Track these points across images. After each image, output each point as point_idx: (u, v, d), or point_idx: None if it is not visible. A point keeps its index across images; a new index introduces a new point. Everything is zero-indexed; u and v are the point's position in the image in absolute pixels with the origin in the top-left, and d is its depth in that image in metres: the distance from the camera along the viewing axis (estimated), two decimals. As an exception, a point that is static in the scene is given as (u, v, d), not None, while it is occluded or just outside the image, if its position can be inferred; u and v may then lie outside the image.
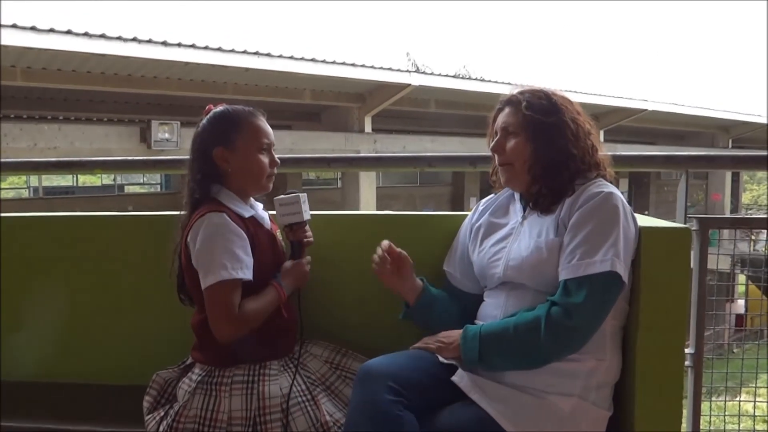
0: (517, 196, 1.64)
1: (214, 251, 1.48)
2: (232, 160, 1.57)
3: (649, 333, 1.50)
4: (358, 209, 10.48)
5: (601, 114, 15.21)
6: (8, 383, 1.91)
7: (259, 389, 1.52)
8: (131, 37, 7.97)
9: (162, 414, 1.57)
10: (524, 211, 1.59)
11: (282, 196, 1.60)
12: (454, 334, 1.51)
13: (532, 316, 1.41)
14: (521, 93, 1.56)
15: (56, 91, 9.63)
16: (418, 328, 1.66)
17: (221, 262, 1.46)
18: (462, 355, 1.47)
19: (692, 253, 2.00)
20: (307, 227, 1.66)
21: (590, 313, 1.38)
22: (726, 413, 2.47)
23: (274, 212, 1.66)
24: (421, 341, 1.57)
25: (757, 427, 2.58)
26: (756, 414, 2.57)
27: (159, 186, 16.75)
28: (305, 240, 1.66)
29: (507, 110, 1.57)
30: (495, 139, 1.58)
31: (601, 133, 15.46)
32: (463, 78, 13.53)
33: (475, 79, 13.09)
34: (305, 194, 1.63)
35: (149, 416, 1.60)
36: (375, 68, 10.77)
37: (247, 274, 1.49)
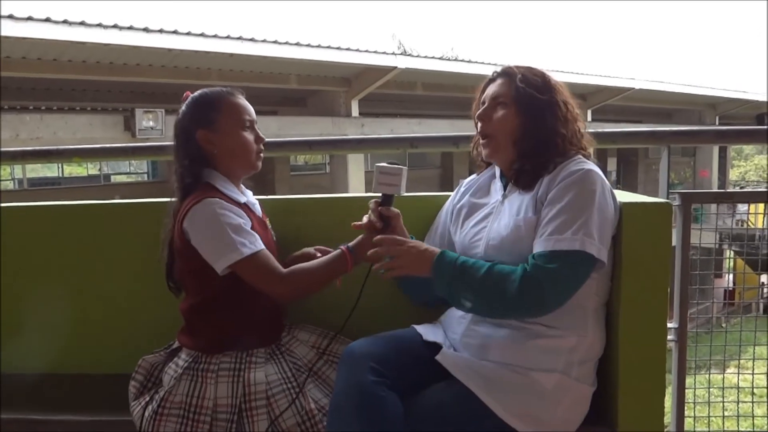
0: (498, 173, 1.63)
1: (225, 232, 1.46)
2: (217, 141, 1.56)
3: (631, 308, 1.51)
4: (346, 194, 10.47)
5: (588, 94, 15.23)
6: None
7: (245, 377, 1.52)
8: (111, 24, 7.86)
9: (147, 399, 1.57)
10: (504, 189, 1.58)
11: (385, 164, 1.52)
12: (428, 250, 1.46)
13: (509, 268, 1.39)
14: (518, 67, 1.56)
15: (37, 81, 9.51)
16: (403, 311, 1.65)
17: (239, 240, 1.46)
18: (433, 271, 1.43)
19: (675, 228, 2.01)
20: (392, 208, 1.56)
21: (558, 286, 1.38)
22: (712, 386, 2.50)
23: (263, 197, 1.64)
24: (383, 247, 1.46)
25: (743, 399, 2.61)
26: (742, 386, 2.61)
27: (146, 175, 16.62)
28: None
29: (499, 81, 1.56)
30: (482, 108, 1.56)
31: (588, 113, 15.51)
32: (450, 60, 13.45)
33: (463, 60, 13.02)
34: (407, 169, 1.54)
35: (135, 402, 1.60)
36: (361, 51, 10.71)
37: (263, 245, 1.50)
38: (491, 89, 1.56)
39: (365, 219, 1.53)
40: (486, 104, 1.56)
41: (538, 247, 1.39)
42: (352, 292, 1.77)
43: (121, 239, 1.95)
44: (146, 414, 1.53)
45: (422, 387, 1.43)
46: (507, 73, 1.55)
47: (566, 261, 1.36)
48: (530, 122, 1.50)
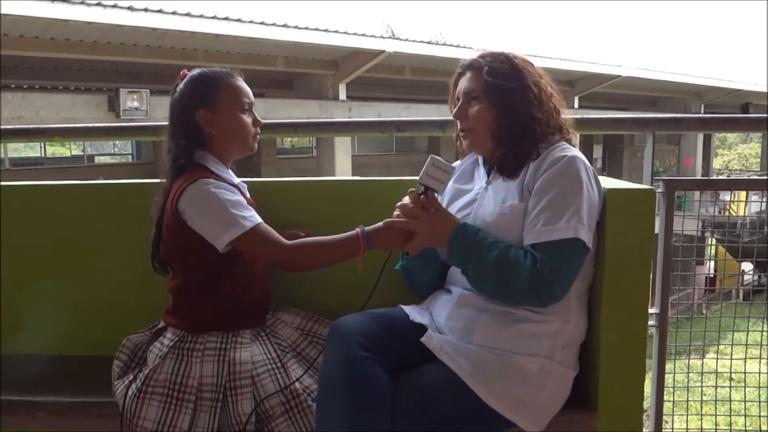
0: (481, 160, 1.64)
1: (225, 208, 1.46)
2: (216, 122, 1.55)
3: (613, 294, 1.52)
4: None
5: (575, 80, 15.25)
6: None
7: (230, 356, 1.52)
8: (95, 2, 7.72)
9: (131, 377, 1.57)
10: (488, 176, 1.59)
11: (440, 158, 1.50)
12: (449, 221, 1.48)
13: (517, 256, 1.39)
14: (482, 57, 1.54)
15: (19, 59, 9.33)
16: (387, 293, 1.65)
17: (239, 215, 1.46)
18: (452, 239, 1.45)
19: (659, 215, 2.02)
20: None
21: (563, 280, 1.39)
22: (691, 371, 2.54)
23: (249, 179, 1.62)
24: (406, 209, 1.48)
25: (721, 384, 2.65)
26: (721, 372, 2.66)
27: (130, 156, 16.44)
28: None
29: (468, 75, 1.55)
30: (457, 106, 1.57)
31: (575, 99, 15.53)
32: (438, 44, 13.36)
33: (451, 45, 12.94)
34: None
35: (118, 381, 1.59)
36: (349, 34, 10.61)
37: (261, 219, 1.51)
38: (462, 84, 1.56)
39: (406, 200, 1.51)
40: (460, 101, 1.56)
41: (533, 239, 1.40)
42: (339, 277, 1.78)
43: (106, 220, 1.93)
44: (129, 393, 1.53)
45: (409, 367, 1.44)
46: (473, 66, 1.54)
47: (566, 252, 1.38)
48: (505, 112, 1.50)
